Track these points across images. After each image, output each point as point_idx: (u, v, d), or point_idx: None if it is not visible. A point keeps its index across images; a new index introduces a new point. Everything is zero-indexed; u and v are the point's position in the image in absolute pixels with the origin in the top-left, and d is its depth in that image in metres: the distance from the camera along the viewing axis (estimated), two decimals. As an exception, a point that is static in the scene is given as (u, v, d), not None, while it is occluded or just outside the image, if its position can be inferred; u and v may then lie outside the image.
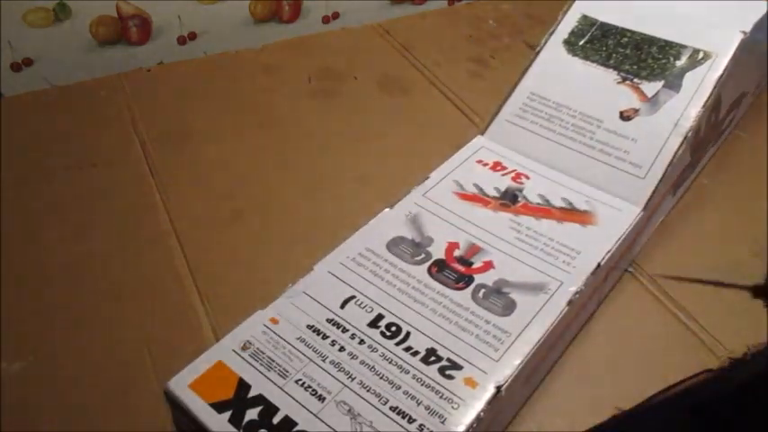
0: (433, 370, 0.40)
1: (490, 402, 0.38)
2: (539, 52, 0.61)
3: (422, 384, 0.39)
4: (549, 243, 0.48)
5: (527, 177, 0.54)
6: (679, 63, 0.56)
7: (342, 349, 0.41)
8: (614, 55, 0.58)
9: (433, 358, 0.41)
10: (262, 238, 0.56)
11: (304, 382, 0.39)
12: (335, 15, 0.96)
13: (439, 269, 0.46)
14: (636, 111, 0.55)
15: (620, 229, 0.49)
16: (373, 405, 0.38)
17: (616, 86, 0.57)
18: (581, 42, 0.60)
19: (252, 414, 0.37)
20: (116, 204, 0.59)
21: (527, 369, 0.41)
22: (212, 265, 0.53)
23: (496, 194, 0.53)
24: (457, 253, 0.48)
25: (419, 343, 0.42)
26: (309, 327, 0.42)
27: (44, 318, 0.49)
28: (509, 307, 0.44)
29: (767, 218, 0.57)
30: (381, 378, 0.39)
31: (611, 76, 0.57)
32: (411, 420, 0.37)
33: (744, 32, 0.56)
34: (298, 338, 0.42)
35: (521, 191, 0.53)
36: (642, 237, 0.54)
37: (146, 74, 0.76)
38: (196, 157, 0.64)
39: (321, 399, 0.38)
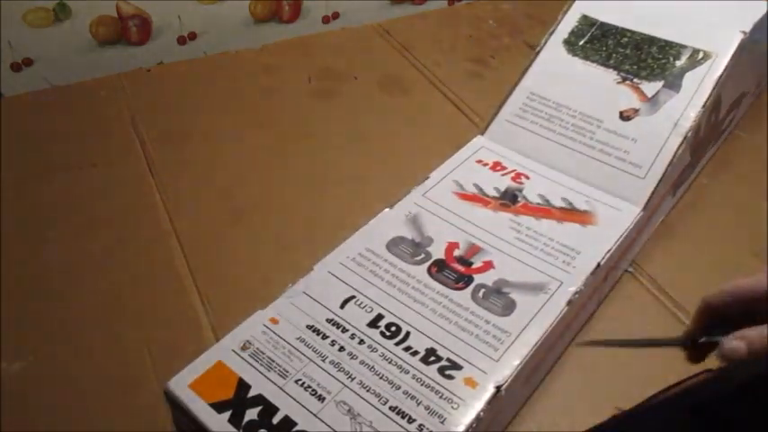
0: (432, 370, 0.40)
1: (490, 402, 0.38)
2: (539, 52, 0.61)
3: (422, 384, 0.39)
4: (548, 243, 0.48)
5: (527, 177, 0.54)
6: (679, 63, 0.56)
7: (342, 349, 0.41)
8: (614, 55, 0.58)
9: (432, 358, 0.41)
10: (262, 238, 0.56)
11: (304, 382, 0.39)
12: (335, 15, 0.96)
13: (439, 269, 0.46)
14: (636, 111, 0.55)
15: (620, 229, 0.49)
16: (373, 405, 0.38)
17: (616, 86, 0.57)
18: (581, 42, 0.60)
19: (252, 414, 0.37)
20: (116, 204, 0.59)
21: (527, 369, 0.41)
22: (212, 265, 0.53)
23: (496, 194, 0.53)
24: (457, 253, 0.48)
25: (419, 343, 0.42)
26: (309, 327, 0.42)
27: (44, 318, 0.49)
28: (509, 307, 0.44)
29: (767, 218, 0.57)
30: (381, 378, 0.39)
31: (611, 76, 0.57)
32: (411, 420, 0.37)
33: (744, 32, 0.56)
34: (298, 338, 0.42)
35: (521, 191, 0.53)
36: (642, 237, 0.54)
37: (146, 74, 0.76)
38: (196, 157, 0.64)
39: (321, 399, 0.38)
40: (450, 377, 0.40)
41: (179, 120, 0.69)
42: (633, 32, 0.59)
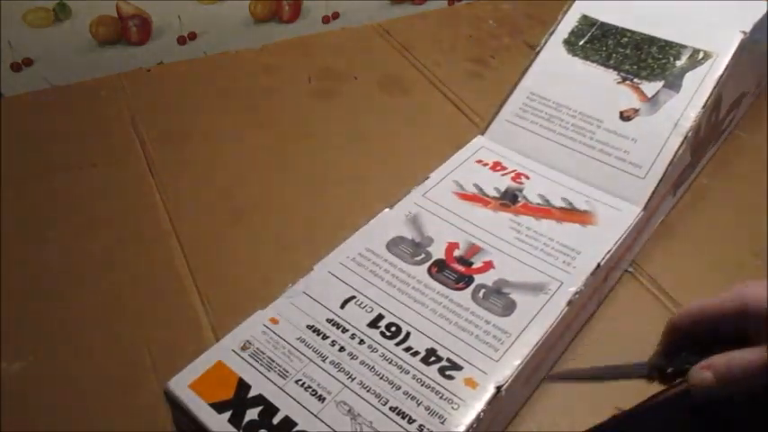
0: (433, 370, 0.40)
1: (490, 402, 0.38)
2: (539, 52, 0.61)
3: (422, 385, 0.39)
4: (549, 243, 0.48)
5: (527, 177, 0.54)
6: (679, 63, 0.56)
7: (342, 349, 0.41)
8: (614, 55, 0.58)
9: (433, 358, 0.41)
10: (262, 238, 0.56)
11: (304, 383, 0.39)
12: (335, 15, 0.96)
13: (439, 269, 0.46)
14: (636, 111, 0.55)
15: (620, 229, 0.49)
16: (373, 405, 0.38)
17: (616, 86, 0.57)
18: (581, 42, 0.60)
19: (252, 414, 0.37)
20: (116, 204, 0.59)
21: (527, 369, 0.41)
22: (212, 265, 0.53)
23: (496, 194, 0.53)
24: (457, 253, 0.48)
25: (419, 343, 0.42)
26: (309, 327, 0.42)
27: (44, 318, 0.49)
28: (509, 307, 0.44)
29: (767, 218, 0.57)
30: (381, 378, 0.39)
31: (611, 76, 0.57)
32: (411, 421, 0.37)
33: (744, 32, 0.56)
34: (298, 338, 0.42)
35: (521, 191, 0.53)
36: (642, 237, 0.54)
37: (146, 74, 0.76)
38: (196, 157, 0.64)
39: (321, 399, 0.38)
40: (450, 377, 0.40)
41: (179, 120, 0.69)
42: (633, 32, 0.59)
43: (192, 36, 0.88)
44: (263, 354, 0.41)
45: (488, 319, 0.43)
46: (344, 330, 0.42)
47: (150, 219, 0.58)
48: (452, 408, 0.38)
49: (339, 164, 0.64)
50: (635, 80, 0.56)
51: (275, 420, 0.37)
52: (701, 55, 0.56)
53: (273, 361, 0.40)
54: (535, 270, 0.46)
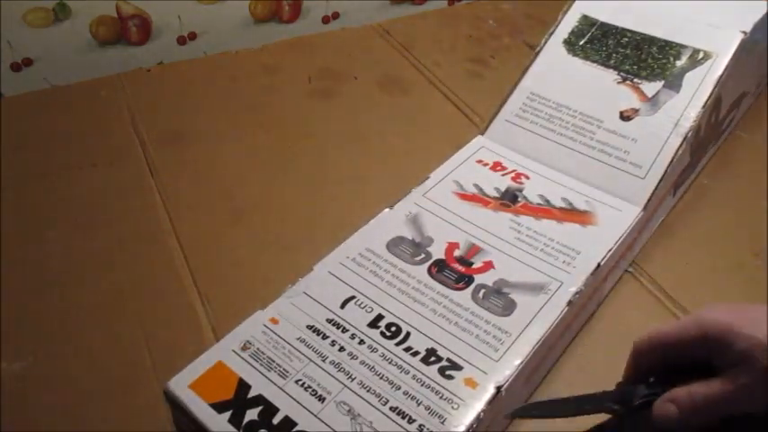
0: (433, 370, 0.40)
1: (490, 402, 0.38)
2: (539, 52, 0.61)
3: (422, 385, 0.39)
4: (549, 243, 0.48)
5: (527, 177, 0.54)
6: (679, 63, 0.56)
7: (342, 349, 0.41)
8: (614, 55, 0.58)
9: (433, 358, 0.41)
10: (262, 238, 0.56)
11: (304, 383, 0.39)
12: (335, 15, 0.96)
13: (439, 269, 0.46)
14: (636, 111, 0.55)
15: (620, 229, 0.49)
16: (373, 405, 0.38)
17: (616, 86, 0.57)
18: (581, 42, 0.60)
19: (252, 414, 0.37)
20: (116, 204, 0.59)
21: (527, 369, 0.41)
22: (212, 265, 0.53)
23: (496, 194, 0.53)
24: (457, 253, 0.48)
25: (419, 343, 0.42)
26: (309, 327, 0.42)
27: (44, 318, 0.49)
28: (509, 307, 0.44)
29: (767, 218, 0.57)
30: (381, 378, 0.39)
31: (611, 76, 0.57)
32: (411, 421, 0.37)
33: (744, 32, 0.56)
34: (298, 339, 0.42)
35: (521, 191, 0.53)
36: (642, 237, 0.54)
37: (146, 74, 0.76)
38: (196, 157, 0.64)
39: (321, 399, 0.38)
40: (450, 377, 0.40)
41: (179, 120, 0.69)
42: (633, 32, 0.59)
43: (192, 36, 0.88)
44: (264, 354, 0.41)
45: (488, 319, 0.43)
46: (344, 330, 0.42)
47: (150, 219, 0.58)
48: (452, 408, 0.38)
49: (339, 164, 0.64)
50: (635, 80, 0.56)
51: (275, 420, 0.37)
52: (700, 55, 0.56)
53: (273, 361, 0.40)
54: (535, 270, 0.46)
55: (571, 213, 0.51)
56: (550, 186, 0.53)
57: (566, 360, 0.47)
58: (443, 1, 1.03)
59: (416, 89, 0.74)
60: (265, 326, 0.42)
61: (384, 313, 0.43)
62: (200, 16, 0.87)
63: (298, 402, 0.38)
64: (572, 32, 0.60)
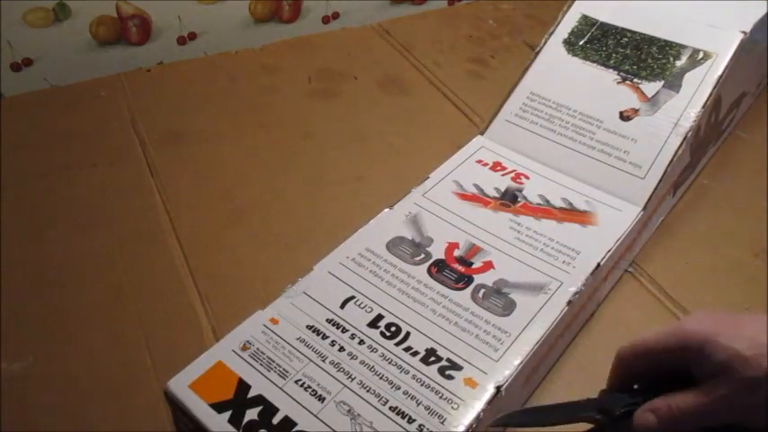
0: (432, 370, 0.40)
1: (490, 402, 0.38)
2: (539, 52, 0.61)
3: (422, 384, 0.39)
4: (549, 243, 0.48)
5: (527, 177, 0.54)
6: (679, 63, 0.56)
7: (342, 349, 0.41)
8: (614, 55, 0.58)
9: (432, 358, 0.41)
10: (262, 238, 0.56)
11: (304, 383, 0.39)
12: (335, 15, 0.96)
13: (439, 269, 0.46)
14: (636, 111, 0.55)
15: (620, 229, 0.49)
16: (373, 405, 0.38)
17: (616, 86, 0.57)
18: (581, 42, 0.60)
19: (252, 414, 0.37)
20: (116, 204, 0.59)
21: (527, 369, 0.41)
22: (212, 265, 0.53)
23: (496, 194, 0.53)
24: (457, 253, 0.48)
25: (419, 343, 0.42)
26: (309, 327, 0.42)
27: (44, 318, 0.49)
28: (509, 307, 0.44)
29: (767, 218, 0.57)
30: (381, 378, 0.39)
31: (611, 76, 0.57)
32: (411, 420, 0.37)
33: (744, 32, 0.56)
34: (297, 339, 0.42)
35: (521, 191, 0.53)
36: (642, 237, 0.54)
37: (146, 74, 0.76)
38: (196, 157, 0.64)
39: (321, 399, 0.38)
40: (450, 377, 0.40)
41: (179, 120, 0.69)
42: (633, 32, 0.59)
43: (192, 36, 0.88)
44: (263, 354, 0.41)
45: (488, 319, 0.43)
46: (344, 330, 0.42)
47: (150, 219, 0.58)
48: (452, 407, 0.38)
49: (339, 164, 0.64)
50: (635, 80, 0.56)
51: (275, 420, 0.37)
52: (700, 55, 0.56)
53: (273, 361, 0.40)
54: (535, 270, 0.46)
55: (571, 213, 0.51)
56: (550, 186, 0.53)
57: (566, 360, 0.47)
58: (443, 1, 1.03)
59: (416, 89, 0.74)
60: (265, 326, 0.42)
61: (384, 313, 0.43)
62: (200, 16, 0.87)
63: (297, 402, 0.38)
64: (572, 32, 0.60)
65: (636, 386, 0.39)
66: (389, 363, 0.40)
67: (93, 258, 0.54)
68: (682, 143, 0.52)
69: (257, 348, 0.41)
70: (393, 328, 0.42)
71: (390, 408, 0.38)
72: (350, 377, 0.39)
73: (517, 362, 0.40)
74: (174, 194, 0.60)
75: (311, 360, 0.40)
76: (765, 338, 0.34)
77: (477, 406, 0.38)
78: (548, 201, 0.52)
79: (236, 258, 0.54)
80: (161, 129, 0.68)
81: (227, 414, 0.37)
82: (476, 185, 0.53)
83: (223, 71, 0.77)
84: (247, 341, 0.41)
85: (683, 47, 0.57)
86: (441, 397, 0.39)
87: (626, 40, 0.59)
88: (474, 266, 0.47)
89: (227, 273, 0.53)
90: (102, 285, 0.52)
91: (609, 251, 0.47)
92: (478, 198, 0.52)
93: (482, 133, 0.59)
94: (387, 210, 0.51)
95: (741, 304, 0.50)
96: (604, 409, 0.38)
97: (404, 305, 0.44)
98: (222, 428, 0.37)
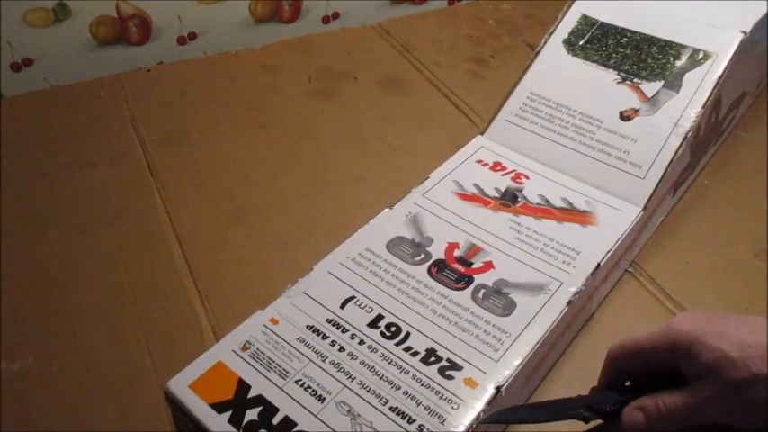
0: (432, 370, 0.40)
1: (490, 402, 0.38)
2: (539, 52, 0.61)
3: (422, 385, 0.39)
4: (549, 243, 0.48)
5: (527, 177, 0.54)
6: (679, 63, 0.56)
7: (342, 349, 0.41)
8: (614, 55, 0.58)
9: (432, 358, 0.41)
10: (262, 238, 0.56)
11: (304, 383, 0.39)
12: (335, 15, 0.96)
13: (439, 269, 0.46)
14: (636, 111, 0.55)
15: (620, 229, 0.49)
16: (373, 405, 0.38)
17: (616, 86, 0.57)
18: (581, 42, 0.60)
19: (252, 414, 0.37)
20: (116, 204, 0.59)
21: (527, 369, 0.41)
22: (212, 265, 0.53)
23: (496, 194, 0.53)
24: (457, 253, 0.48)
25: (419, 343, 0.42)
26: (309, 327, 0.42)
27: (44, 318, 0.49)
28: (509, 307, 0.44)
29: (767, 218, 0.57)
30: (381, 378, 0.39)
31: (611, 76, 0.57)
32: (411, 421, 0.37)
33: (744, 32, 0.56)
34: (298, 339, 0.42)
35: (521, 191, 0.53)
36: (642, 237, 0.54)
37: (146, 74, 0.76)
38: (196, 157, 0.64)
39: (321, 399, 0.38)
40: (450, 377, 0.40)
41: (179, 120, 0.69)
42: (633, 32, 0.59)
43: (192, 36, 0.88)
44: (263, 354, 0.41)
45: (488, 319, 0.43)
46: (344, 330, 0.42)
47: (150, 219, 0.58)
48: (452, 407, 0.38)
49: (339, 164, 0.64)
50: (635, 80, 0.56)
51: (275, 420, 0.37)
52: (700, 55, 0.56)
53: (273, 361, 0.40)
54: (535, 270, 0.46)
55: (571, 213, 0.51)
56: (550, 186, 0.53)
57: (566, 360, 0.47)
58: (443, 1, 1.03)
59: (416, 89, 0.74)
60: (265, 326, 0.42)
61: (384, 313, 0.43)
62: (200, 16, 0.87)
63: (298, 402, 0.38)
64: (572, 32, 0.60)
65: (628, 383, 0.39)
66: (389, 363, 0.40)
67: (93, 258, 0.54)
68: (682, 143, 0.52)
69: (257, 348, 0.41)
70: (393, 329, 0.42)
71: (390, 408, 0.38)
72: (350, 377, 0.39)
73: (517, 362, 0.40)
74: (174, 194, 0.60)
75: (311, 360, 0.40)
76: (752, 340, 0.34)
77: (477, 406, 0.38)
78: (548, 201, 0.52)
79: (236, 258, 0.54)
80: (161, 129, 0.68)
81: (227, 414, 0.37)
82: (476, 185, 0.53)
83: (223, 71, 0.77)
84: (247, 341, 0.41)
85: (683, 47, 0.57)
86: (441, 397, 0.39)
87: (626, 40, 0.59)
88: (474, 266, 0.47)
89: (227, 273, 0.53)
90: (102, 285, 0.52)
91: (609, 251, 0.47)
92: (478, 198, 0.52)
93: (482, 133, 0.59)
94: (387, 210, 0.51)
95: (741, 304, 0.50)
96: (594, 407, 0.38)
97: (404, 305, 0.44)
98: (222, 428, 0.37)
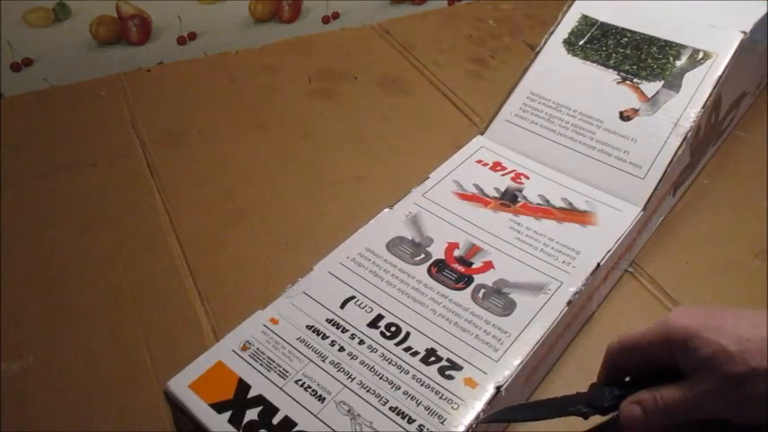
0: (432, 370, 0.40)
1: (490, 402, 0.38)
2: (539, 52, 0.61)
3: (421, 385, 0.39)
4: (549, 243, 0.48)
5: (527, 177, 0.54)
6: (679, 63, 0.56)
7: (341, 349, 0.41)
8: (614, 55, 0.58)
9: (432, 358, 0.41)
10: (262, 238, 0.56)
11: (304, 383, 0.39)
12: (335, 15, 0.96)
13: (439, 269, 0.46)
14: (636, 111, 0.55)
15: (620, 229, 0.49)
16: (373, 405, 0.38)
17: (616, 86, 0.57)
18: (581, 42, 0.60)
19: (252, 414, 0.37)
20: (116, 204, 0.59)
21: (527, 369, 0.41)
22: (212, 265, 0.53)
23: (496, 194, 0.53)
24: (457, 253, 0.48)
25: (419, 343, 0.42)
26: (309, 327, 0.42)
27: (44, 318, 0.49)
28: (509, 307, 0.44)
29: (767, 218, 0.57)
30: (381, 378, 0.39)
31: (611, 76, 0.57)
32: (411, 421, 0.37)
33: (744, 32, 0.56)
34: (297, 339, 0.42)
35: (521, 191, 0.53)
36: (642, 237, 0.54)
37: (146, 74, 0.76)
38: (196, 157, 0.64)
39: (321, 399, 0.38)
40: (450, 377, 0.40)
41: (179, 120, 0.69)
42: (633, 32, 0.59)
43: (192, 36, 0.88)
44: (263, 354, 0.41)
45: (488, 319, 0.43)
46: (344, 330, 0.42)
47: (150, 219, 0.58)
48: (452, 407, 0.38)
49: (339, 164, 0.64)
50: (635, 80, 0.56)
51: (275, 420, 0.37)
52: (700, 55, 0.56)
53: (273, 361, 0.40)
54: (535, 270, 0.46)
55: (571, 213, 0.51)
56: (550, 186, 0.53)
57: (566, 360, 0.47)
58: (443, 1, 1.03)
59: (416, 89, 0.74)
60: (265, 326, 0.42)
61: (384, 313, 0.43)
62: (200, 16, 0.87)
63: (298, 402, 0.38)
64: (572, 32, 0.60)
65: (627, 379, 0.39)
66: (389, 363, 0.40)
67: (93, 258, 0.54)
68: (682, 143, 0.52)
69: (257, 348, 0.41)
70: (393, 329, 0.42)
71: (390, 408, 0.38)
72: (350, 377, 0.39)
73: (517, 362, 0.40)
74: (174, 194, 0.60)
75: (311, 360, 0.40)
76: (749, 334, 0.34)
77: (477, 406, 0.38)
78: (548, 201, 0.52)
79: (236, 258, 0.54)
80: (161, 129, 0.68)
81: (227, 414, 0.37)
82: (476, 185, 0.53)
83: (223, 71, 0.77)
84: (247, 341, 0.41)
85: (683, 47, 0.57)
86: (441, 397, 0.39)
87: (626, 40, 0.59)
88: (474, 266, 0.47)
89: (227, 273, 0.53)
90: (102, 285, 0.52)
91: (609, 251, 0.47)
92: (478, 198, 0.52)
93: (482, 133, 0.59)
94: (387, 210, 0.51)
95: (741, 304, 0.50)
96: (592, 403, 0.38)
97: (404, 305, 0.44)
98: (222, 428, 0.37)
